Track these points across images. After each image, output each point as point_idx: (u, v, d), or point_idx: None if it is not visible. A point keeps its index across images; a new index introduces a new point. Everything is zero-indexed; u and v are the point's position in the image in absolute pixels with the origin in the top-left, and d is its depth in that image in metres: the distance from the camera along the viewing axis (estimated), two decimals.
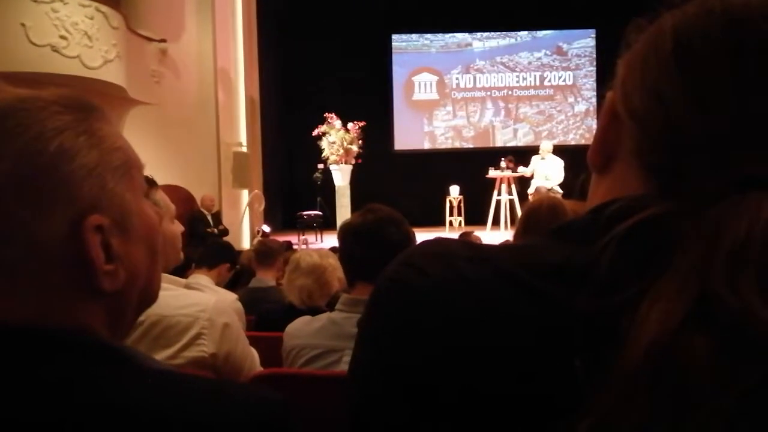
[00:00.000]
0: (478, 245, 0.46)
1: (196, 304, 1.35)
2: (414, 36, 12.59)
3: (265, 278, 3.05)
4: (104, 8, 6.64)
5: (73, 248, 0.47)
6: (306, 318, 1.53)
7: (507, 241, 3.11)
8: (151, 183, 1.43)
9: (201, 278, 2.62)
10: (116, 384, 0.45)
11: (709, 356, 0.31)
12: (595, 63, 12.59)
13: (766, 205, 0.35)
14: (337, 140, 9.05)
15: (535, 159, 8.61)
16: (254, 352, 1.54)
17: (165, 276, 1.36)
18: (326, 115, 9.19)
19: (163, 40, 7.94)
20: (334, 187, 9.35)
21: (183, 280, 1.64)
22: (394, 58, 12.62)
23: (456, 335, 0.39)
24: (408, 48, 12.66)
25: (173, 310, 1.32)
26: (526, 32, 12.57)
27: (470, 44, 12.64)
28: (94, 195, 0.48)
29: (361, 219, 1.45)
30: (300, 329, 1.51)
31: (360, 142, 9.23)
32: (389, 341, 0.42)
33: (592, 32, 12.51)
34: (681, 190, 0.39)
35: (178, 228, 1.50)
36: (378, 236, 1.40)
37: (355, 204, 8.45)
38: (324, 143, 9.14)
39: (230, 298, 2.26)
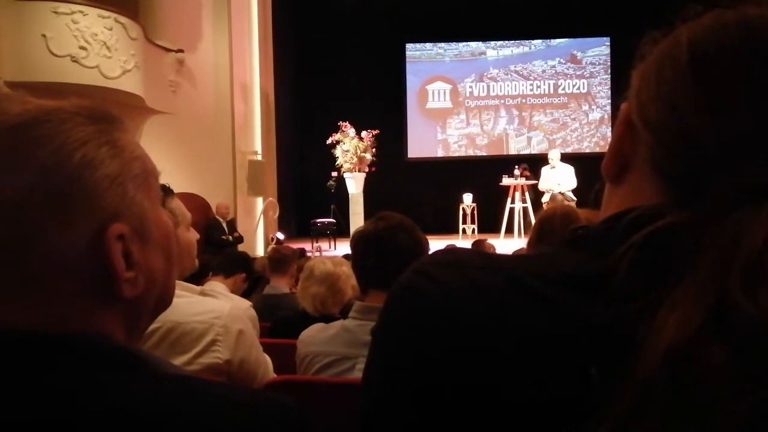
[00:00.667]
0: (491, 254, 0.46)
1: (211, 311, 1.36)
2: (428, 45, 12.63)
3: (279, 285, 3.07)
4: (123, 19, 6.76)
5: (96, 256, 0.48)
6: (319, 325, 1.54)
7: (521, 249, 3.10)
8: (167, 191, 1.45)
9: (216, 285, 2.64)
10: (134, 388, 0.46)
11: (726, 363, 0.32)
12: (609, 71, 12.52)
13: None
14: (350, 148, 9.09)
15: (545, 170, 8.55)
16: (268, 359, 1.55)
17: (180, 283, 1.38)
18: (340, 123, 9.24)
19: (181, 51, 8.05)
20: (347, 194, 9.38)
21: (198, 288, 1.66)
22: (408, 66, 12.66)
23: (467, 342, 0.40)
24: (422, 57, 12.70)
25: (188, 317, 1.34)
26: (540, 40, 12.55)
27: (484, 53, 12.65)
28: (116, 204, 0.49)
29: (373, 226, 1.46)
30: (313, 336, 1.52)
31: (373, 150, 9.26)
32: (401, 347, 0.43)
33: (606, 40, 12.46)
34: (697, 199, 0.39)
35: (194, 235, 1.52)
36: (389, 243, 1.41)
37: (369, 211, 8.47)
38: (338, 151, 9.18)
39: (245, 305, 2.28)
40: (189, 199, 6.85)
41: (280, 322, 2.40)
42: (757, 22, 0.42)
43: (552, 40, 12.59)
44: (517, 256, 0.46)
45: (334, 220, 9.64)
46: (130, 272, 0.50)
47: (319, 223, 9.57)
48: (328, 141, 9.21)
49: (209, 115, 8.53)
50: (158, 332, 1.33)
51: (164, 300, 0.57)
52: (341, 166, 9.25)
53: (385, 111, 11.72)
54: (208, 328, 1.34)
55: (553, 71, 12.65)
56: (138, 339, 0.56)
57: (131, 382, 0.46)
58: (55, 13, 6.17)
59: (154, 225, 0.53)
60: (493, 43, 12.59)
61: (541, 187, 8.55)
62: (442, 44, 12.60)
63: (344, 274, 2.28)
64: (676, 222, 0.37)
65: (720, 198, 0.38)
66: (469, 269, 0.43)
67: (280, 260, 3.14)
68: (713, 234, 0.36)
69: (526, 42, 12.59)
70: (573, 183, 8.34)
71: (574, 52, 12.65)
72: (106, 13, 6.55)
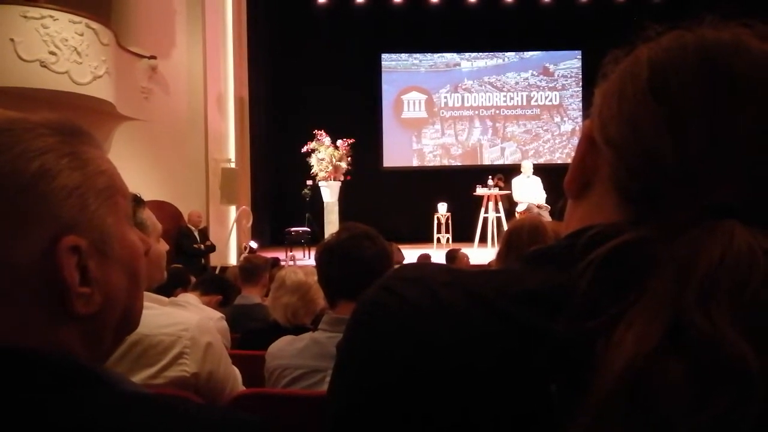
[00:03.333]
0: (457, 270, 0.47)
1: (178, 323, 1.34)
2: (403, 55, 12.72)
3: (251, 295, 3.04)
4: (95, 25, 6.66)
5: (48, 268, 0.46)
6: (288, 338, 1.53)
7: (490, 262, 3.13)
8: (138, 201, 1.43)
9: (189, 297, 2.61)
10: (87, 407, 0.44)
11: (682, 380, 0.32)
12: (581, 84, 12.77)
13: (738, 233, 0.36)
14: (326, 157, 9.08)
15: (520, 179, 8.66)
16: (237, 372, 1.54)
17: (148, 295, 1.36)
18: (316, 132, 9.23)
19: (153, 57, 7.96)
20: (322, 203, 9.35)
21: (167, 299, 1.63)
22: (384, 76, 12.72)
23: (431, 359, 0.40)
24: (397, 67, 12.78)
25: (155, 329, 1.32)
26: (513, 53, 12.75)
27: (458, 64, 12.79)
28: (74, 216, 0.48)
29: (337, 237, 1.47)
30: (282, 349, 1.51)
31: (349, 158, 9.26)
32: (365, 364, 0.43)
33: (578, 54, 12.71)
34: (656, 217, 0.40)
35: (164, 247, 1.50)
36: (353, 253, 1.41)
37: (344, 220, 8.44)
38: (313, 160, 9.16)
39: (215, 316, 2.25)
40: (160, 207, 6.75)
41: (250, 334, 2.38)
42: (715, 44, 0.43)
43: (525, 53, 12.80)
44: (482, 272, 0.47)
45: (309, 229, 9.59)
46: (84, 287, 0.48)
47: (293, 231, 9.51)
48: (304, 149, 9.19)
49: (182, 122, 8.44)
50: (123, 345, 1.30)
51: (129, 320, 0.55)
52: (316, 175, 9.22)
53: (361, 120, 11.74)
54: (175, 341, 1.32)
55: (526, 83, 12.85)
56: (104, 358, 0.54)
57: (82, 401, 0.45)
58: (24, 17, 6.05)
59: (117, 242, 0.51)
60: (467, 54, 12.74)
61: (516, 197, 8.66)
62: (418, 55, 12.70)
63: (316, 284, 2.25)
64: (633, 240, 0.38)
65: (678, 216, 0.39)
66: (435, 285, 0.43)
67: (252, 270, 3.12)
68: (670, 251, 0.36)
69: (500, 54, 12.77)
70: (543, 195, 8.48)
71: (547, 64, 12.87)
72: (77, 19, 6.45)
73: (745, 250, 0.35)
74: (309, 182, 9.48)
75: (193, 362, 1.32)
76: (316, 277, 2.16)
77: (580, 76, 12.75)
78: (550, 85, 12.89)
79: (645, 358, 0.33)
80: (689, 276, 0.35)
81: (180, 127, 8.39)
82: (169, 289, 2.70)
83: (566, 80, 12.87)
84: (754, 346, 0.32)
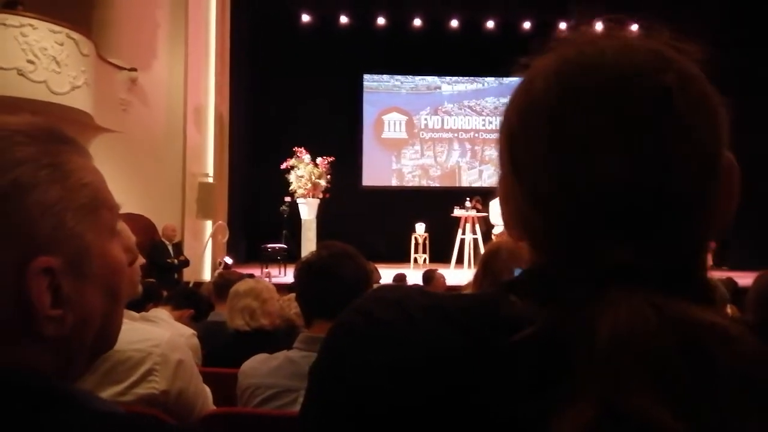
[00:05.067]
0: (434, 294, 0.47)
1: (149, 339, 1.32)
2: (385, 77, 12.85)
3: (224, 312, 2.99)
4: (75, 35, 6.61)
5: (17, 289, 0.44)
6: (262, 356, 1.52)
7: (467, 283, 3.15)
8: None
9: (161, 312, 2.56)
10: (55, 427, 0.43)
11: None
12: None
13: (624, 307, 0.35)
14: (305, 174, 9.07)
15: (497, 202, 8.71)
16: (207, 390, 1.51)
17: None
18: (295, 149, 9.22)
19: (134, 69, 7.91)
20: (300, 220, 9.31)
21: (137, 314, 1.61)
22: (365, 96, 12.82)
23: (404, 386, 0.40)
24: (379, 88, 12.89)
25: (124, 345, 1.29)
26: (492, 78, 12.97)
27: (439, 87, 12.96)
28: (49, 234, 0.45)
29: (316, 256, 1.47)
30: (256, 368, 1.49)
31: (328, 176, 9.26)
32: (338, 385, 0.43)
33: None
34: (564, 272, 0.39)
35: (138, 261, 1.48)
36: (333, 272, 1.41)
37: (322, 238, 8.42)
38: (292, 176, 9.14)
39: (187, 332, 2.22)
40: (134, 219, 6.66)
41: (214, 352, 2.37)
42: (584, 94, 0.40)
43: (504, 79, 13.03)
44: (459, 295, 0.47)
45: (286, 246, 9.52)
46: (56, 309, 0.46)
47: (269, 248, 9.43)
48: (283, 166, 9.17)
49: (160, 135, 8.36)
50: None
51: (105, 338, 0.52)
52: (295, 192, 9.19)
53: (341, 139, 11.78)
54: (145, 357, 1.30)
55: (505, 108, 13.06)
56: (76, 377, 0.52)
57: (50, 423, 0.43)
58: (3, 25, 5.98)
59: (96, 260, 0.49)
60: (448, 78, 12.93)
61: (493, 220, 8.73)
62: (399, 77, 12.84)
63: (266, 287, 2.49)
64: (540, 329, 0.37)
65: (576, 281, 0.38)
66: (412, 309, 0.43)
67: (225, 286, 3.07)
68: (577, 333, 0.36)
69: (480, 79, 12.99)
70: None
71: None
72: (57, 28, 6.40)
73: (643, 322, 0.35)
74: (287, 199, 9.44)
75: (163, 379, 1.29)
76: (265, 283, 2.49)
77: None
78: None
79: None
80: (600, 358, 0.35)
81: (158, 140, 8.31)
82: (141, 303, 2.65)
83: None
84: (674, 413, 0.32)
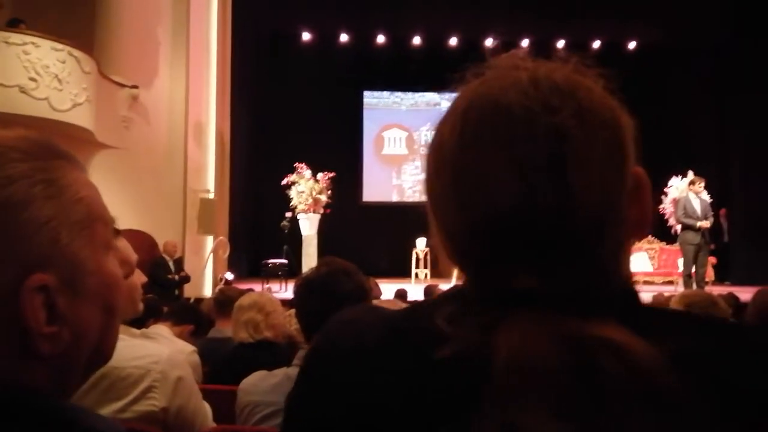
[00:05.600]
0: (381, 310, 0.50)
1: (149, 355, 1.32)
2: (385, 93, 12.94)
3: (224, 328, 2.99)
4: (77, 53, 6.67)
5: (11, 307, 0.44)
6: (262, 373, 1.51)
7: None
8: (113, 231, 1.41)
9: (161, 329, 2.56)
10: None
11: None
12: None
13: (518, 329, 0.38)
14: (306, 190, 9.09)
15: None
16: (207, 407, 1.50)
17: None
18: (296, 164, 9.26)
19: (135, 86, 7.97)
20: (301, 236, 9.31)
21: (138, 330, 1.60)
22: (365, 113, 12.89)
23: (355, 401, 0.43)
24: (379, 104, 12.97)
25: (124, 362, 1.29)
26: None
27: (439, 104, 13.03)
28: (43, 251, 0.45)
29: (316, 272, 1.47)
30: (255, 385, 1.48)
31: (329, 192, 9.28)
32: (306, 401, 0.48)
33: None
34: (478, 296, 0.43)
35: (139, 278, 1.47)
36: (331, 287, 1.41)
37: (322, 253, 8.42)
38: (293, 192, 9.16)
39: (187, 349, 2.21)
40: (135, 236, 6.66)
41: (216, 368, 2.37)
42: (490, 127, 0.43)
43: None
44: (404, 309, 0.50)
45: (287, 262, 9.51)
46: (51, 327, 0.45)
47: (270, 264, 9.41)
48: (284, 181, 9.19)
49: (161, 152, 8.40)
50: (92, 377, 1.27)
51: (101, 355, 0.52)
52: (296, 207, 9.21)
53: (342, 155, 11.82)
54: (144, 374, 1.29)
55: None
56: (72, 392, 0.51)
57: None
58: (6, 43, 6.04)
59: (92, 276, 0.49)
60: (447, 95, 12.94)
61: None
62: (399, 93, 12.93)
63: (269, 300, 2.52)
64: (457, 347, 0.40)
65: (486, 307, 0.41)
66: (361, 327, 0.48)
67: (226, 302, 3.07)
68: (483, 356, 0.38)
69: None
70: None
71: None
72: (59, 46, 6.46)
73: (535, 343, 0.37)
74: (288, 214, 9.45)
75: (163, 396, 1.29)
76: (269, 296, 2.51)
77: None
78: None
79: None
80: (499, 380, 0.37)
81: (159, 157, 8.34)
82: (141, 320, 2.64)
83: None
84: (567, 428, 0.34)
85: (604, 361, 0.36)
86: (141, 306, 1.45)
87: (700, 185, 7.54)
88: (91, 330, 0.49)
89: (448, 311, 0.43)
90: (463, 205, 0.43)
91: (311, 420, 0.46)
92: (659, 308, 0.46)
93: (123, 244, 1.43)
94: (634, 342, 0.36)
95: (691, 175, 8.34)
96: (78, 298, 0.47)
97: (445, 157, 0.44)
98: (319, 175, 9.19)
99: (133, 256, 1.46)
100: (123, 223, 1.58)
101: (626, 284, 0.45)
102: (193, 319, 2.93)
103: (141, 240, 7.05)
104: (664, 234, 9.81)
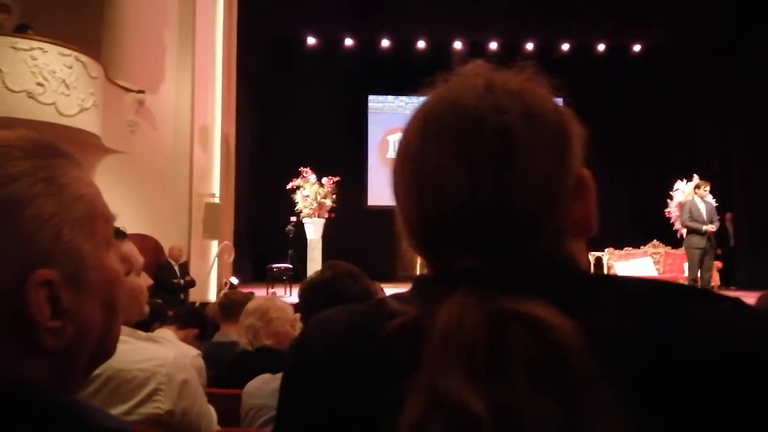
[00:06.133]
0: (351, 307, 0.55)
1: (154, 358, 1.32)
2: (389, 98, 12.96)
3: (229, 332, 2.99)
4: (84, 58, 6.71)
5: (17, 302, 0.44)
6: (266, 376, 1.52)
7: None
8: (119, 234, 1.42)
9: (166, 332, 2.57)
10: None
11: None
12: None
13: (456, 305, 0.42)
14: (311, 194, 9.11)
15: None
16: (212, 411, 1.51)
17: (124, 329, 1.34)
18: (301, 169, 9.28)
19: (141, 91, 8.02)
20: (306, 240, 9.32)
21: (143, 333, 1.61)
22: (370, 117, 12.92)
23: (336, 395, 0.48)
24: (383, 108, 12.99)
25: (130, 365, 1.30)
26: None
27: None
28: (46, 247, 0.46)
29: (321, 275, 1.48)
30: (259, 388, 1.49)
31: (334, 196, 9.29)
32: (291, 405, 0.53)
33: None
34: (431, 278, 0.48)
35: (145, 281, 1.48)
36: (336, 290, 1.42)
37: (327, 258, 8.41)
38: (298, 196, 9.18)
39: (192, 353, 2.21)
40: (141, 240, 6.68)
41: (220, 373, 2.36)
42: (437, 122, 0.49)
43: None
44: (369, 304, 0.54)
45: (291, 266, 9.52)
46: (55, 321, 0.46)
47: (275, 268, 9.43)
48: (289, 186, 9.21)
49: (167, 157, 8.44)
50: (98, 379, 1.27)
51: (104, 350, 0.53)
52: (300, 212, 9.22)
53: (347, 159, 11.84)
54: (150, 377, 1.30)
55: None
56: (75, 390, 0.52)
57: None
58: (14, 48, 6.09)
59: (94, 272, 0.49)
60: None
61: None
62: (404, 98, 12.95)
63: (275, 306, 2.40)
64: (406, 319, 0.45)
65: (434, 280, 0.45)
66: (332, 328, 0.52)
67: (231, 306, 3.07)
68: (428, 325, 0.42)
69: None
70: None
71: None
72: (67, 51, 6.51)
73: (467, 317, 0.41)
74: (293, 219, 9.46)
75: (168, 399, 1.29)
76: (277, 302, 2.43)
77: None
78: None
79: (414, 425, 0.39)
80: (432, 349, 0.41)
81: (165, 161, 8.38)
82: (146, 323, 2.65)
83: None
84: (478, 394, 0.38)
85: (515, 332, 0.40)
86: (147, 308, 1.46)
87: (706, 189, 7.52)
88: (93, 325, 0.50)
89: (404, 295, 0.48)
90: (420, 197, 0.48)
91: (298, 423, 0.50)
92: (616, 284, 0.48)
93: (129, 247, 1.44)
94: (553, 317, 0.40)
95: (696, 178, 8.31)
96: (81, 293, 0.48)
97: (408, 155, 0.50)
98: (324, 180, 9.21)
99: (140, 259, 1.47)
100: (128, 227, 1.59)
101: (572, 270, 0.49)
102: (198, 323, 2.94)
103: (147, 244, 7.08)
104: (670, 238, 9.77)
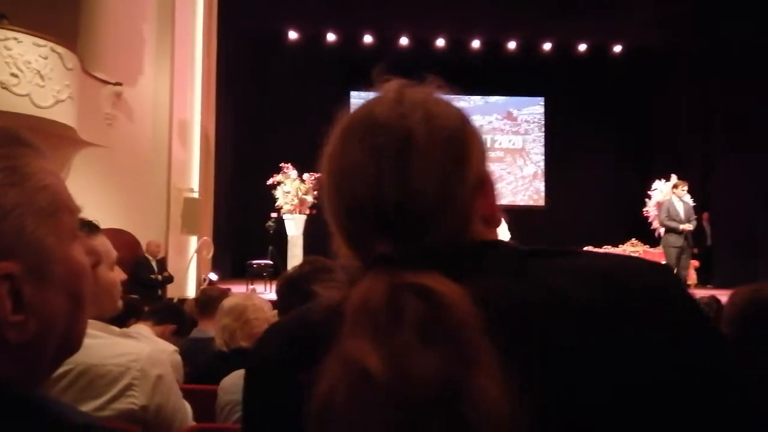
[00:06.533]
0: (301, 308, 0.61)
1: (128, 353, 1.30)
2: (372, 94, 12.89)
3: (207, 328, 2.96)
4: (60, 49, 6.59)
5: None
6: (241, 372, 1.50)
7: None
8: (92, 227, 1.40)
9: (142, 328, 2.53)
10: None
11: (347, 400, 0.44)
12: (543, 129, 13.19)
13: (368, 282, 0.48)
14: (292, 190, 9.06)
15: None
16: (187, 406, 1.49)
17: (98, 323, 1.32)
18: (282, 165, 9.22)
19: (119, 84, 7.89)
20: (286, 236, 9.27)
21: (118, 329, 1.58)
22: None
23: (288, 398, 0.50)
24: None
25: (103, 360, 1.28)
26: (478, 97, 13.12)
27: None
28: (8, 239, 0.45)
29: (298, 271, 1.47)
30: (235, 384, 1.48)
31: (315, 192, 9.25)
32: (252, 413, 0.58)
33: (540, 100, 13.17)
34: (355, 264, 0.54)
35: (119, 275, 1.46)
36: (311, 288, 1.41)
37: (308, 254, 8.38)
38: (278, 192, 9.12)
39: (169, 349, 2.19)
40: (117, 235, 6.58)
41: (197, 371, 2.33)
42: (363, 119, 0.57)
43: (490, 97, 13.19)
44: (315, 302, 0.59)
45: (272, 262, 9.47)
46: (17, 315, 0.45)
47: (255, 264, 9.36)
48: (269, 181, 9.15)
49: (145, 151, 8.32)
50: (69, 375, 1.25)
51: (69, 344, 0.52)
52: (281, 208, 9.17)
53: None
54: (124, 372, 1.28)
55: (490, 126, 13.20)
56: (40, 384, 0.51)
57: None
58: None
59: (58, 264, 0.48)
60: None
61: None
62: None
63: (253, 305, 2.32)
64: (329, 304, 0.51)
65: (357, 270, 0.51)
66: (282, 336, 0.60)
67: (208, 302, 3.05)
68: (344, 306, 0.48)
69: (465, 97, 13.10)
70: (507, 234, 8.63)
71: (511, 109, 13.27)
72: (42, 42, 6.38)
73: (375, 291, 0.47)
74: (273, 215, 9.40)
75: (142, 394, 1.28)
76: (255, 301, 2.35)
77: (543, 122, 13.18)
78: (513, 130, 13.26)
79: (327, 392, 0.44)
80: (346, 321, 0.47)
81: (143, 155, 8.27)
82: (122, 319, 2.61)
83: (529, 125, 13.28)
84: (378, 356, 0.43)
85: (409, 299, 0.45)
86: (120, 303, 1.43)
87: (683, 189, 7.65)
88: (58, 318, 0.49)
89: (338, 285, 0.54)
90: (339, 193, 0.55)
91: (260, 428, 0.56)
92: (499, 248, 0.55)
93: (101, 241, 1.42)
94: (442, 285, 0.46)
95: (674, 178, 8.45)
96: (44, 286, 0.47)
97: (330, 158, 0.58)
98: (306, 176, 9.16)
99: (113, 253, 1.44)
100: (105, 221, 1.56)
101: (467, 245, 0.54)
102: (175, 318, 2.91)
103: (124, 239, 6.98)
104: (648, 237, 9.93)
